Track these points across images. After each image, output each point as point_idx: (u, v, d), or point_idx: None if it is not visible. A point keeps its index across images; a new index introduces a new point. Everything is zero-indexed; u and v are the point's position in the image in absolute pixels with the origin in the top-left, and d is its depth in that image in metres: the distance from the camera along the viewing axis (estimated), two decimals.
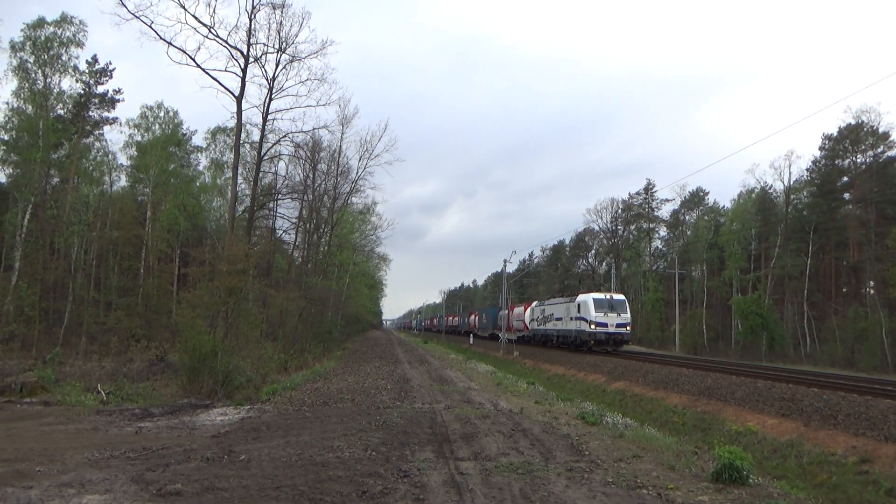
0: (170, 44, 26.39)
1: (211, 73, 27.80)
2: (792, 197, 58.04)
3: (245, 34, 27.99)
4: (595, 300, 37.55)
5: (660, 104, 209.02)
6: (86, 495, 6.55)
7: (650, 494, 7.04)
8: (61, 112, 39.14)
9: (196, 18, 26.76)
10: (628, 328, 37.96)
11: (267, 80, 29.78)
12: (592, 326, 36.72)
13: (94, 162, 43.85)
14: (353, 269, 56.78)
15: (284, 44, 29.04)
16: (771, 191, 61.24)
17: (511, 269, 73.60)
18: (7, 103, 35.70)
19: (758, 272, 59.25)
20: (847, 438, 13.09)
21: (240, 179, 34.17)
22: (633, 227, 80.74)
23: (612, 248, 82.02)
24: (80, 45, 36.48)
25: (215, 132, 47.82)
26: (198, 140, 51.77)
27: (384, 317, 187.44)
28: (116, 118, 45.45)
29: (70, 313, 34.43)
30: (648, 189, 78.21)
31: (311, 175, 40.89)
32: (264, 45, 28.87)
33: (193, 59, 27.24)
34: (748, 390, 18.68)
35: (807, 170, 56.97)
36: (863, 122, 51.14)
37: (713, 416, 17.46)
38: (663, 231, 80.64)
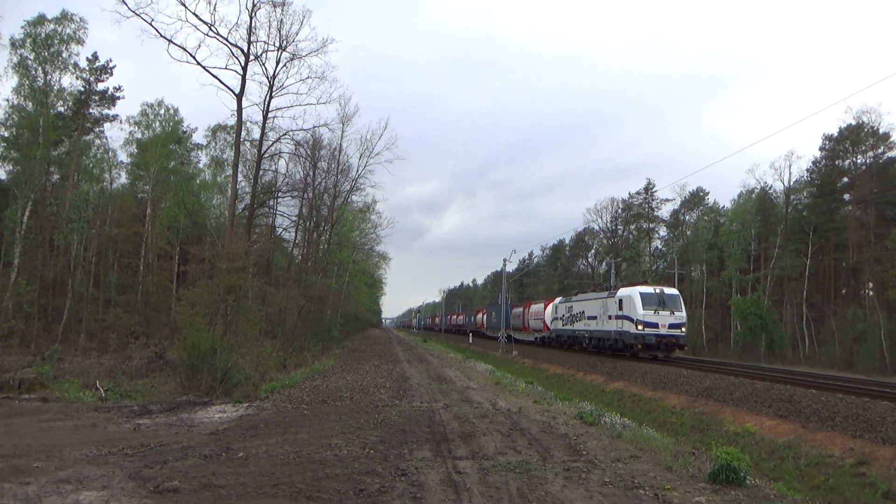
0: (170, 41, 26.38)
1: (211, 70, 27.79)
2: (792, 197, 58.00)
3: (245, 32, 27.98)
4: (643, 295, 31.21)
5: (661, 104, 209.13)
6: (83, 492, 6.56)
7: (647, 495, 7.05)
8: (61, 109, 39.14)
9: (196, 16, 26.73)
10: (683, 329, 31.53)
11: (267, 77, 29.79)
12: (639, 327, 30.49)
13: (94, 159, 43.81)
14: (353, 268, 56.80)
15: (285, 42, 29.04)
16: (771, 191, 61.23)
17: (511, 268, 73.89)
18: (7, 100, 35.80)
19: (757, 273, 59.24)
20: (845, 440, 13.10)
21: (240, 177, 34.15)
22: (632, 227, 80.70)
23: (612, 248, 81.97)
24: (80, 42, 36.49)
25: (215, 130, 47.84)
26: (198, 138, 51.75)
27: (384, 315, 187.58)
28: (117, 115, 45.43)
29: (69, 310, 34.43)
30: (648, 189, 78.19)
31: (311, 173, 40.91)
32: (265, 42, 28.86)
33: (194, 57, 27.24)
34: (746, 391, 18.70)
35: (807, 170, 56.98)
36: (863, 122, 51.12)
37: (711, 417, 17.47)
38: (663, 231, 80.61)
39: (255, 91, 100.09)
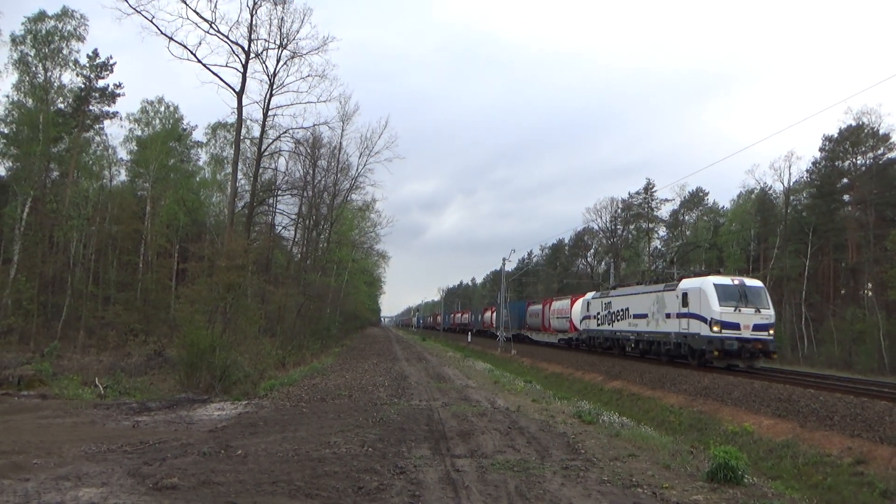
0: (171, 39, 26.37)
1: (212, 68, 27.80)
2: (791, 198, 58.04)
3: (246, 30, 28.00)
4: (719, 287, 24.44)
5: (661, 104, 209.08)
6: (82, 488, 6.57)
7: (645, 493, 7.07)
8: (61, 106, 39.13)
9: (197, 14, 26.73)
10: (771, 332, 24.44)
11: (268, 75, 29.81)
12: (715, 329, 23.86)
13: (94, 156, 43.84)
14: (352, 266, 56.78)
15: (285, 40, 29.07)
16: (770, 192, 61.26)
17: (510, 267, 73.27)
18: (7, 97, 35.78)
19: (756, 273, 59.28)
20: (843, 440, 13.12)
21: (240, 175, 34.17)
22: (632, 227, 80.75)
23: (612, 248, 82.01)
24: (80, 39, 36.50)
25: (216, 127, 47.87)
26: (198, 135, 51.78)
27: (383, 314, 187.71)
28: (117, 112, 45.53)
29: (68, 307, 34.43)
30: (648, 189, 78.23)
31: (311, 171, 40.95)
32: (265, 40, 28.90)
33: (194, 55, 27.26)
34: (745, 391, 18.72)
35: (806, 171, 56.98)
36: (863, 123, 51.12)
37: (709, 416, 17.49)
38: (662, 231, 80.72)
39: (256, 89, 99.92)
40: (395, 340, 64.88)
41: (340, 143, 42.53)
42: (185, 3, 26.31)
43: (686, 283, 26.65)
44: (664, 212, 78.88)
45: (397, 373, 23.59)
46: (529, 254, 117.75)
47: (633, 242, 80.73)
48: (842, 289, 55.03)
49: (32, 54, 34.92)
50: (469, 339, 64.05)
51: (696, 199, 74.95)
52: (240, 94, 28.15)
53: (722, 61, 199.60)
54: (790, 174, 56.88)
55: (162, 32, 26.17)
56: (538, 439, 10.25)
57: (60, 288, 35.92)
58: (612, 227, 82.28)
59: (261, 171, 33.72)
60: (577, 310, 40.90)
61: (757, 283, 26.29)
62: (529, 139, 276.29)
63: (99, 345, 29.17)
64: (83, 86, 42.01)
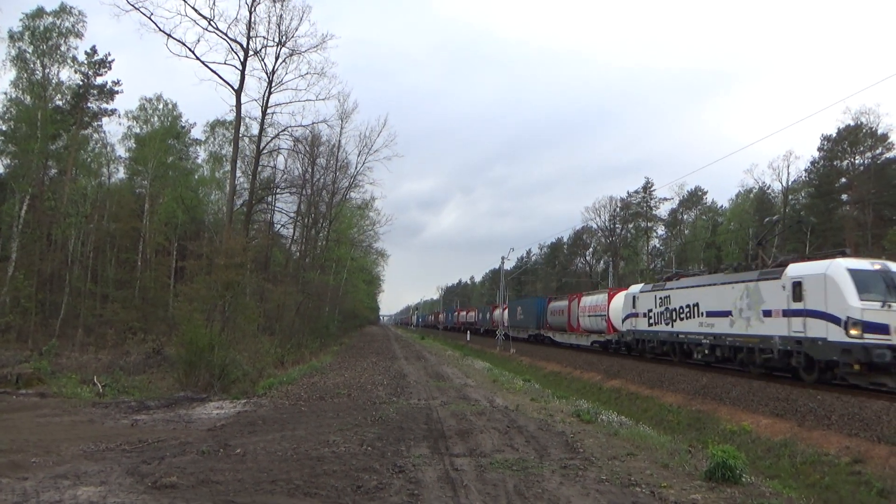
0: (169, 36, 26.37)
1: (210, 65, 27.88)
2: (790, 197, 58.16)
3: (245, 27, 28.01)
4: (856, 274, 17.58)
5: (660, 103, 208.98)
6: (81, 487, 6.57)
7: (643, 492, 7.08)
8: (59, 103, 39.07)
9: (196, 10, 26.88)
10: None
11: (266, 73, 29.83)
12: (854, 332, 16.84)
13: (92, 153, 43.80)
14: (351, 265, 56.79)
15: (284, 37, 29.08)
16: (769, 191, 61.43)
17: (509, 266, 73.07)
18: (5, 93, 35.70)
19: None
20: (840, 439, 13.15)
21: (238, 173, 34.17)
22: (631, 226, 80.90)
23: (610, 247, 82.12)
24: (78, 35, 36.47)
25: (214, 125, 47.86)
26: (196, 133, 51.74)
27: (381, 312, 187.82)
28: (115, 110, 45.45)
29: (66, 305, 34.40)
30: (647, 188, 78.38)
31: (309, 169, 40.94)
32: (264, 38, 28.94)
33: (193, 52, 27.25)
34: (743, 390, 18.75)
35: (805, 170, 57.17)
36: (862, 123, 51.29)
37: (708, 416, 17.52)
38: (661, 230, 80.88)
39: (254, 86, 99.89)
40: (394, 339, 64.90)
41: (339, 141, 42.57)
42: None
43: (798, 269, 19.60)
44: (663, 211, 79.11)
45: (396, 371, 23.60)
46: (528, 252, 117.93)
47: (631, 241, 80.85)
48: None
49: (30, 51, 34.90)
50: (468, 338, 64.06)
51: (694, 198, 75.10)
52: (238, 92, 28.16)
53: (721, 60, 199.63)
54: (789, 173, 57.11)
55: (160, 29, 26.21)
56: (537, 438, 10.26)
57: (58, 286, 35.89)
58: (611, 225, 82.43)
59: (259, 168, 33.73)
60: (617, 306, 33.90)
61: None
62: (528, 137, 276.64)
63: (97, 343, 29.16)
64: (81, 83, 41.95)
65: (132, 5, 25.22)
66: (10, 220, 33.24)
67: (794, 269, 19.77)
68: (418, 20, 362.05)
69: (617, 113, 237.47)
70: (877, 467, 11.55)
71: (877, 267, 18.16)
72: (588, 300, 39.76)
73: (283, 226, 44.02)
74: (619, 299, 33.81)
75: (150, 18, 25.85)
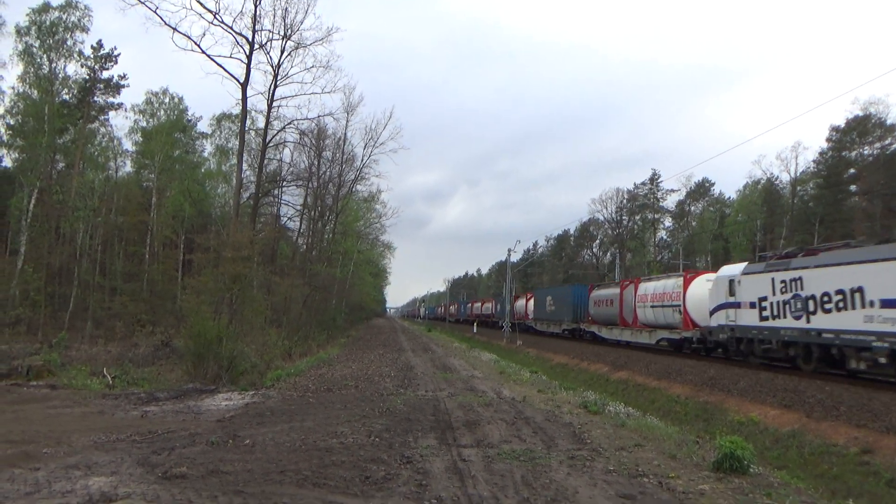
0: (175, 29, 26.40)
1: (216, 59, 27.83)
2: (798, 188, 57.81)
3: (250, 20, 27.98)
4: None
5: (667, 95, 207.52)
6: (92, 477, 6.63)
7: (651, 482, 7.08)
8: (66, 97, 39.21)
9: (201, 4, 26.88)
10: None
11: (272, 66, 29.80)
12: None
13: (99, 147, 43.95)
14: (358, 257, 56.90)
15: (290, 30, 29.04)
16: (777, 182, 61.07)
17: (515, 258, 72.75)
18: (13, 88, 35.83)
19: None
20: (849, 430, 13.12)
21: (245, 166, 34.23)
22: (637, 218, 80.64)
23: (617, 239, 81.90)
24: (84, 29, 36.55)
25: (220, 119, 47.89)
26: (203, 126, 51.83)
27: (388, 305, 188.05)
28: (121, 104, 45.54)
29: (75, 298, 34.65)
30: (654, 179, 78.07)
31: (315, 162, 40.96)
32: (269, 31, 28.89)
33: (199, 45, 27.27)
34: (750, 381, 18.71)
35: (813, 161, 56.83)
36: (870, 113, 50.89)
37: (715, 407, 17.50)
38: (668, 222, 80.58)
39: (260, 80, 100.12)
40: (401, 331, 65.04)
41: (345, 133, 42.56)
42: None
43: None
44: (670, 202, 78.77)
45: (403, 363, 23.66)
46: (535, 244, 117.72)
47: (638, 233, 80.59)
48: None
49: (37, 45, 34.99)
50: (475, 330, 64.11)
51: (702, 189, 74.73)
52: (244, 85, 28.14)
53: (728, 52, 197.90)
54: (797, 164, 56.76)
55: (166, 23, 26.27)
56: (544, 429, 10.27)
57: (67, 279, 36.13)
58: (618, 217, 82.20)
59: (266, 162, 33.79)
60: (700, 293, 26.41)
61: None
62: (533, 130, 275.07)
63: (106, 335, 29.39)
64: (88, 77, 42.01)
65: None
66: (19, 214, 33.46)
67: None
68: (423, 13, 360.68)
69: (623, 106, 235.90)
70: (885, 458, 11.52)
71: None
72: (650, 287, 31.48)
73: (289, 219, 44.18)
74: (703, 284, 26.60)
75: (155, 12, 25.91)
